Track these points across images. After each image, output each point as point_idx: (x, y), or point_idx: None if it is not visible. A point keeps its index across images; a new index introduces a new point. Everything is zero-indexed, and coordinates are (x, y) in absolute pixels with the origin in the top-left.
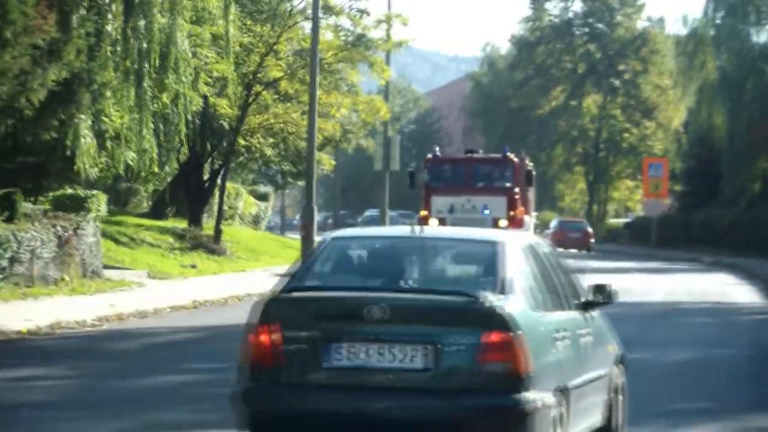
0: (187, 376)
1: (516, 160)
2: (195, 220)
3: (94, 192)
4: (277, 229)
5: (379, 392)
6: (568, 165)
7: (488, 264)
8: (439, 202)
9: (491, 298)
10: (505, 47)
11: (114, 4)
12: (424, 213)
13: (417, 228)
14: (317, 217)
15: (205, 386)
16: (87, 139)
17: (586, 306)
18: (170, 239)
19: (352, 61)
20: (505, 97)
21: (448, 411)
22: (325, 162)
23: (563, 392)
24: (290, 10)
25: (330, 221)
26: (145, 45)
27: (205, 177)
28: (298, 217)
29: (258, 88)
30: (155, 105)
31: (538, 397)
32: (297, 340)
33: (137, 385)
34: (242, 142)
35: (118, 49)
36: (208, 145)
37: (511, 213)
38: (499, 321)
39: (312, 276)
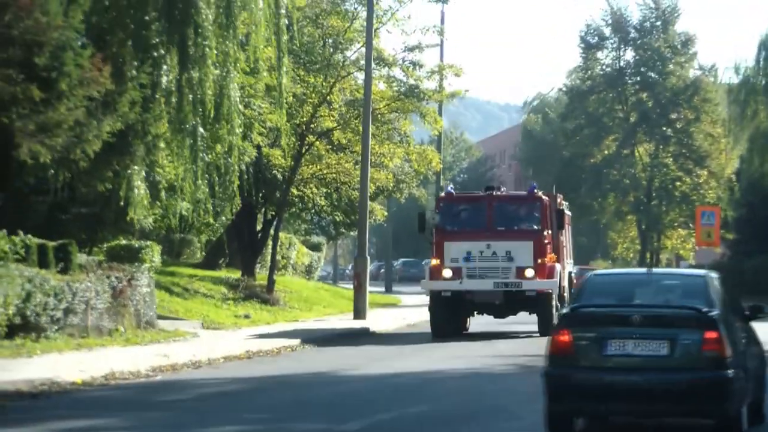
0: (239, 426)
1: (545, 198)
2: (248, 271)
3: (148, 243)
4: (330, 278)
5: (639, 370)
6: (620, 213)
7: (699, 290)
8: (454, 248)
9: (706, 310)
10: (556, 96)
11: (168, 56)
12: (435, 262)
13: (650, 269)
14: (370, 266)
15: None
16: (141, 190)
17: (748, 318)
18: (223, 289)
19: (405, 111)
20: (557, 146)
21: (683, 381)
22: (378, 212)
23: (745, 371)
24: (343, 61)
25: (382, 270)
26: (199, 96)
27: (258, 227)
28: (350, 266)
29: (311, 138)
30: (209, 156)
31: (734, 372)
32: (583, 339)
33: None
34: (295, 192)
35: (173, 100)
36: (261, 196)
37: (539, 260)
38: (713, 324)
39: (585, 298)
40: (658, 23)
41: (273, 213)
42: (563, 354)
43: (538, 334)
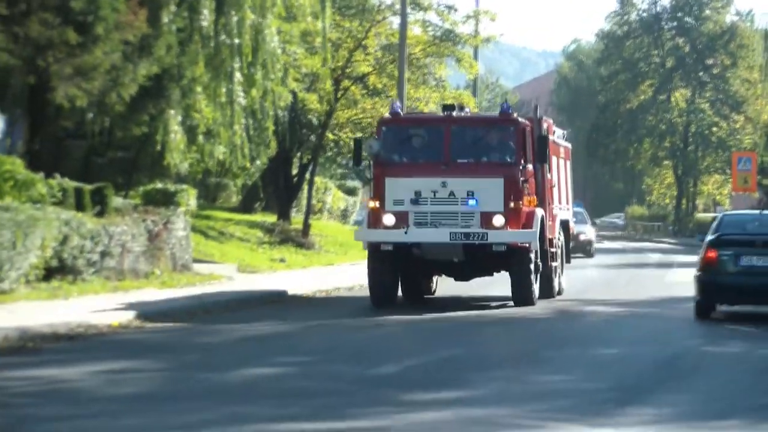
0: (273, 369)
1: (523, 121)
2: (284, 215)
3: (184, 186)
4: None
5: (761, 275)
6: (656, 159)
7: None
8: (398, 186)
9: None
10: (592, 42)
11: (206, 0)
12: (373, 205)
13: (762, 211)
14: None
15: (290, 380)
16: (177, 134)
17: None
18: (259, 233)
19: (440, 55)
20: (592, 92)
21: None
22: None
23: None
24: (379, 6)
25: None
26: (235, 41)
27: (294, 172)
28: None
29: (346, 83)
30: (245, 100)
31: None
32: (724, 255)
33: (224, 377)
34: (331, 136)
35: (210, 44)
36: (297, 140)
37: (512, 204)
38: None
39: (722, 229)
40: None
41: (309, 157)
42: (710, 265)
43: (512, 304)
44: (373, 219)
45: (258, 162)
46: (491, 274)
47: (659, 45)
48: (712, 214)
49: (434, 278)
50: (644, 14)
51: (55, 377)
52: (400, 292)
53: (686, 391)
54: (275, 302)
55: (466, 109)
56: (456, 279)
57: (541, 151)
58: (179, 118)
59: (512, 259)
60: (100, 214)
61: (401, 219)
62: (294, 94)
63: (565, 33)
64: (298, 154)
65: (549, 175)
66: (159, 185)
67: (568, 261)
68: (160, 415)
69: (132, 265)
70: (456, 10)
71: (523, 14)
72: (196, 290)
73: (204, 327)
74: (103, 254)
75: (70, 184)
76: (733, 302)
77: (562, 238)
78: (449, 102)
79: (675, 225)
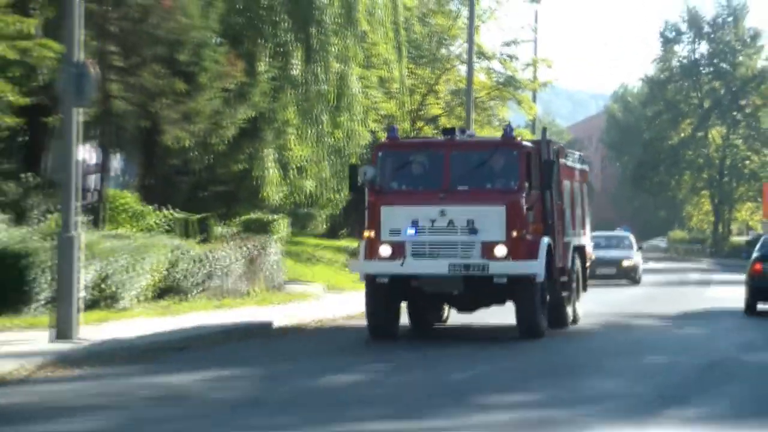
0: (358, 376)
1: (527, 145)
2: None
3: (277, 216)
4: None
5: None
6: (695, 189)
7: None
8: (394, 215)
9: None
10: (638, 86)
11: (296, 51)
12: (368, 234)
13: None
14: None
15: (374, 386)
16: (272, 170)
17: None
18: (344, 257)
19: (503, 99)
20: (638, 130)
21: None
22: None
23: None
24: (448, 55)
25: None
26: (322, 87)
27: None
28: None
29: (420, 123)
30: (331, 140)
31: None
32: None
33: (313, 384)
34: None
35: (299, 91)
36: None
37: (515, 233)
38: None
39: (766, 248)
40: (730, 19)
41: None
42: (757, 273)
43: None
44: (369, 249)
45: (342, 194)
46: (488, 305)
47: (697, 88)
48: (745, 238)
49: (445, 306)
50: (684, 60)
51: (168, 384)
52: (408, 321)
53: (725, 395)
54: (359, 317)
55: (469, 132)
56: (459, 310)
57: (547, 176)
58: (273, 155)
59: (517, 291)
60: (204, 240)
61: (397, 250)
62: (373, 133)
63: (614, 77)
64: None
65: (559, 201)
66: (255, 215)
67: (584, 289)
68: (262, 417)
69: (233, 285)
70: (517, 58)
71: (576, 59)
72: (290, 306)
73: (296, 337)
74: (208, 276)
75: (178, 215)
76: None
77: (578, 265)
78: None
79: (712, 247)
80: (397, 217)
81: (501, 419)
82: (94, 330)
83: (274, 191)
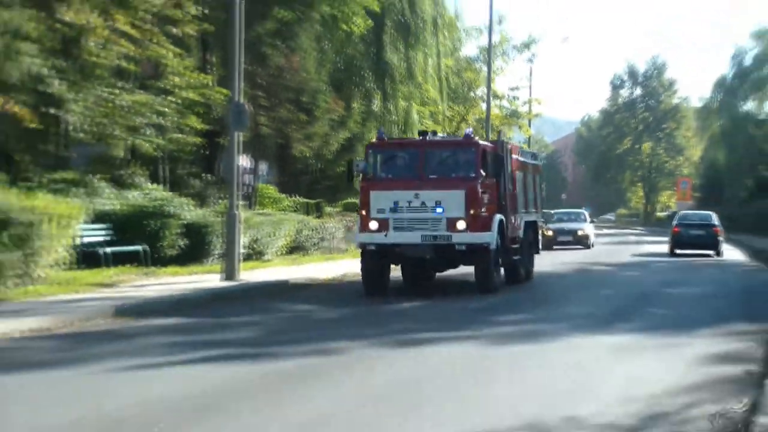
0: (408, 305)
1: (483, 144)
2: None
3: None
4: None
5: (695, 237)
6: (633, 182)
7: None
8: (380, 198)
9: None
10: (596, 115)
11: (376, 95)
12: (361, 212)
13: None
14: None
15: (421, 311)
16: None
17: None
18: None
19: (509, 125)
20: (596, 144)
21: None
22: None
23: None
24: (474, 97)
25: None
26: (393, 117)
27: None
28: None
29: None
30: None
31: None
32: (680, 228)
33: (382, 308)
34: None
35: (378, 120)
36: None
37: (472, 211)
38: None
39: (680, 219)
40: (655, 72)
41: None
42: (675, 234)
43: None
44: (363, 225)
45: None
46: (455, 267)
47: (635, 116)
48: (665, 213)
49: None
50: (626, 99)
51: (295, 309)
52: (402, 278)
53: (654, 315)
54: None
55: (439, 135)
56: (434, 271)
57: (496, 167)
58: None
59: (475, 256)
60: (318, 216)
61: (383, 225)
62: None
63: (581, 109)
64: None
65: (511, 187)
66: (351, 200)
67: (537, 252)
68: (355, 329)
69: (336, 245)
70: (518, 98)
71: (557, 95)
72: None
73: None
74: (321, 239)
75: (302, 200)
76: (683, 249)
77: (531, 236)
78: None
79: (644, 220)
80: (382, 200)
81: (506, 330)
82: (248, 274)
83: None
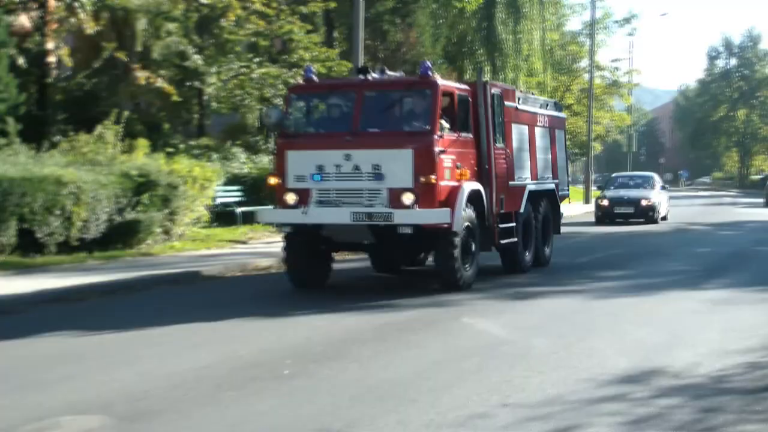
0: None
1: (445, 84)
2: None
3: None
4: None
5: None
6: (728, 147)
7: None
8: (300, 160)
9: None
10: (694, 85)
11: (486, 66)
12: (274, 180)
13: None
14: (591, 176)
15: (539, 274)
16: None
17: None
18: None
19: (611, 94)
20: (693, 112)
21: None
22: (597, 147)
23: None
24: (577, 68)
25: (600, 178)
26: None
27: None
28: (581, 177)
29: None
30: None
31: None
32: None
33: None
34: None
35: None
36: None
37: (423, 179)
38: None
39: None
40: (750, 43)
41: None
42: None
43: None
44: (278, 197)
45: None
46: (420, 254)
47: (730, 86)
48: (759, 176)
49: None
50: (722, 69)
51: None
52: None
53: (747, 270)
54: None
55: (388, 72)
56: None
57: (470, 117)
58: None
59: (436, 241)
60: None
61: (303, 197)
62: None
63: (679, 78)
64: None
65: (501, 145)
66: None
67: (556, 231)
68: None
69: None
70: (619, 69)
71: (657, 65)
72: None
73: None
74: None
75: None
76: None
77: (544, 210)
78: None
79: (738, 182)
80: (302, 163)
81: (607, 285)
82: None
83: None
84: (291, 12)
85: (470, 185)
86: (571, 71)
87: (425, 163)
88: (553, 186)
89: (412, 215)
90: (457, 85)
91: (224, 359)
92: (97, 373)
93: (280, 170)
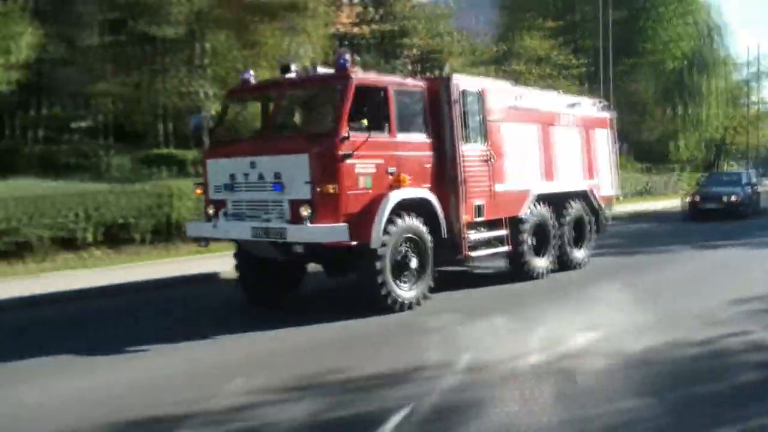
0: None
1: (367, 78)
2: None
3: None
4: None
5: None
6: None
7: None
8: (217, 169)
9: None
10: None
11: (679, 105)
12: (198, 191)
13: None
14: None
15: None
16: None
17: None
18: None
19: None
20: None
21: None
22: None
23: None
24: (741, 104)
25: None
26: (693, 121)
27: None
28: None
29: None
30: None
31: None
32: None
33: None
34: None
35: (681, 122)
36: None
37: (320, 188)
38: None
39: None
40: None
41: None
42: None
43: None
44: (209, 208)
45: None
46: (344, 273)
47: None
48: None
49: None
50: None
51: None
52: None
53: None
54: None
55: (314, 67)
56: (328, 276)
57: (407, 115)
58: None
59: (352, 259)
60: None
61: (217, 210)
62: None
63: None
64: None
65: (477, 146)
66: None
67: (598, 231)
68: (684, 237)
69: None
70: None
71: None
72: None
73: None
74: None
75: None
76: None
77: (573, 213)
78: None
79: None
80: (219, 172)
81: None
82: None
83: None
84: None
85: (404, 193)
86: (736, 106)
87: (324, 169)
88: (585, 187)
89: (302, 232)
90: (394, 79)
91: (271, 349)
92: None
93: (204, 179)
